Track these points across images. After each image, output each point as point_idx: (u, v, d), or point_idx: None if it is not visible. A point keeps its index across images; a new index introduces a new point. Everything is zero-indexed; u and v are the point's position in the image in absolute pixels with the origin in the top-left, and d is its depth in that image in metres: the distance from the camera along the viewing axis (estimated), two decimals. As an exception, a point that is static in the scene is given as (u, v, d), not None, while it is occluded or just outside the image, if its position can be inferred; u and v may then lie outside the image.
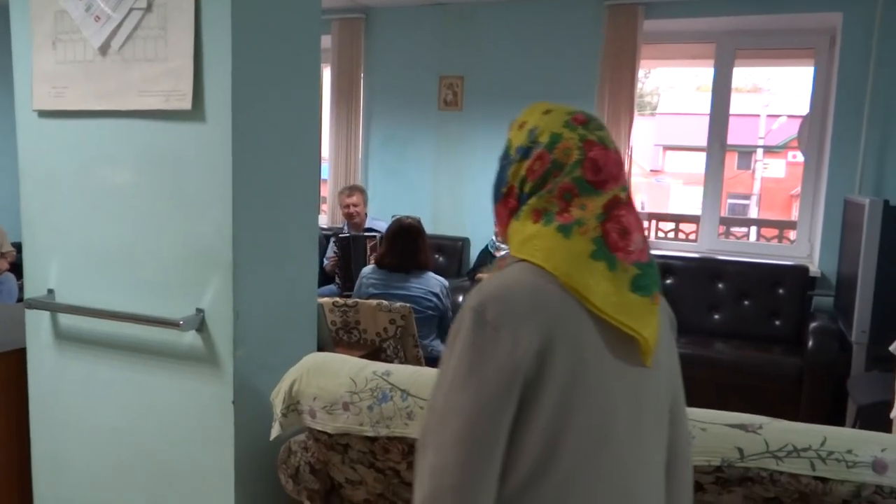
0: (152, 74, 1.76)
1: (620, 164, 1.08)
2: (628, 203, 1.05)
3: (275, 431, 1.68)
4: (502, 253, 4.70)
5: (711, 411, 1.35)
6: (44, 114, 1.92)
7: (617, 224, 1.02)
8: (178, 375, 1.85)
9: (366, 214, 4.90)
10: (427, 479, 0.96)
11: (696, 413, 1.35)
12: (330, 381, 1.60)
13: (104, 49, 1.81)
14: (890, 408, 2.80)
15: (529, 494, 0.98)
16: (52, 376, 2.02)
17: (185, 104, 1.72)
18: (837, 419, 3.59)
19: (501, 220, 1.13)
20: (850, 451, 1.24)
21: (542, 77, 4.93)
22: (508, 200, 1.09)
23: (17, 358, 2.07)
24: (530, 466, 0.97)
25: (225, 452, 1.82)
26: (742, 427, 1.31)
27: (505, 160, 1.11)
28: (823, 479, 1.23)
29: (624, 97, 4.62)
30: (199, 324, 1.79)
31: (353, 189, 4.89)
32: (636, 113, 4.71)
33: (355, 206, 4.78)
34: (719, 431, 1.31)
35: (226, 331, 1.78)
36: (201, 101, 1.72)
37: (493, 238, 4.93)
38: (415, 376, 1.57)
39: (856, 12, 4.19)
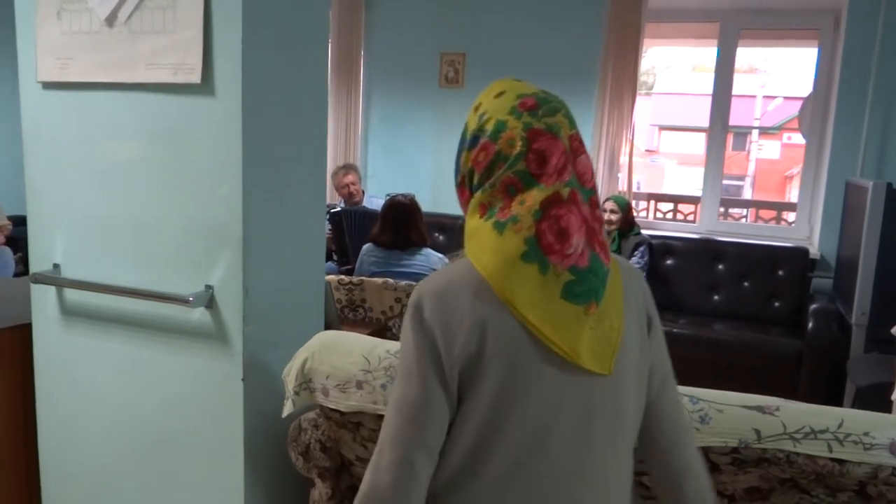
0: (160, 46, 1.73)
1: (578, 151, 1.00)
2: (572, 200, 0.97)
3: (287, 409, 1.68)
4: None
5: (727, 393, 1.35)
6: (48, 85, 1.89)
7: (554, 224, 0.95)
8: (187, 352, 1.84)
9: (362, 192, 4.87)
10: (368, 474, 0.99)
11: (712, 394, 1.35)
12: (343, 359, 1.60)
13: (111, 20, 1.77)
14: (890, 390, 2.83)
15: (458, 492, 0.99)
16: (58, 351, 2.00)
17: (195, 78, 1.69)
18: (836, 400, 3.62)
19: (462, 207, 1.08)
20: (867, 434, 1.24)
21: (544, 54, 4.88)
22: (463, 189, 1.06)
23: (23, 333, 2.05)
24: (460, 464, 0.98)
25: (234, 429, 1.81)
26: (759, 409, 1.31)
27: (461, 145, 1.06)
28: (840, 461, 1.24)
29: (627, 76, 4.59)
30: (209, 300, 1.78)
31: (349, 168, 4.86)
32: (640, 93, 4.69)
33: (353, 184, 4.76)
34: (736, 413, 1.31)
35: (235, 307, 1.76)
36: (210, 75, 1.69)
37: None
38: (428, 355, 1.56)
39: (862, -7, 4.16)
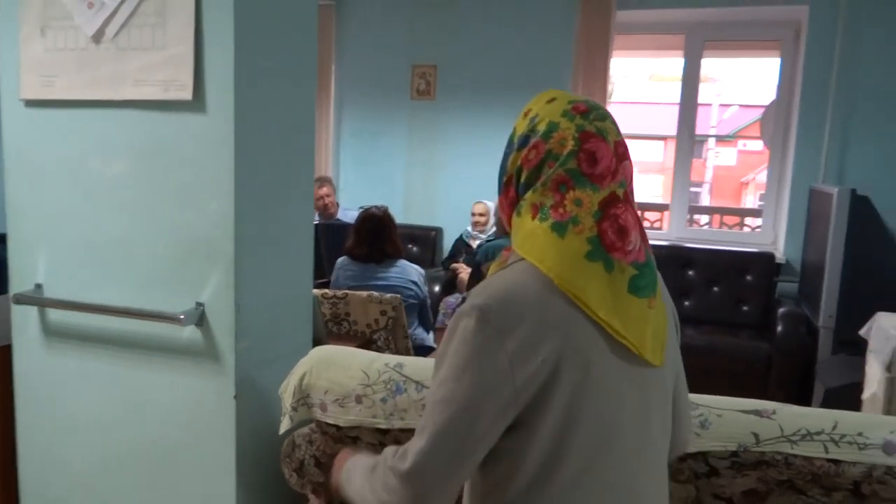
0: (150, 63, 1.71)
1: (623, 156, 1.04)
2: (626, 200, 1.02)
3: (284, 425, 1.67)
4: (479, 243, 4.72)
5: (725, 398, 1.39)
6: (31, 103, 1.86)
7: (614, 223, 0.99)
8: (176, 371, 1.82)
9: (337, 204, 4.87)
10: (403, 462, 0.98)
11: (710, 400, 1.39)
12: (341, 374, 1.60)
13: (98, 37, 1.75)
14: (858, 390, 2.92)
15: (534, 498, 0.97)
16: (40, 374, 1.96)
17: (186, 94, 1.68)
18: (805, 402, 3.71)
19: (504, 210, 1.11)
20: (860, 434, 1.28)
21: (515, 67, 4.95)
22: (509, 190, 1.07)
23: (2, 354, 2.00)
24: (536, 470, 0.97)
25: (226, 448, 1.79)
26: (756, 413, 1.35)
27: (508, 149, 1.09)
28: (836, 461, 1.28)
29: (597, 87, 4.67)
30: (199, 318, 1.76)
31: (323, 180, 4.85)
32: (609, 102, 4.77)
33: (328, 196, 4.75)
34: (735, 418, 1.34)
35: (227, 324, 1.75)
36: (202, 92, 1.68)
37: (468, 228, 4.95)
38: (428, 368, 1.57)
39: (821, 5, 4.31)
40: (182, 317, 1.72)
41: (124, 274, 1.82)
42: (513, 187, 1.06)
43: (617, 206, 1.00)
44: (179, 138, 1.72)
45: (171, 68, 1.69)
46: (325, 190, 4.75)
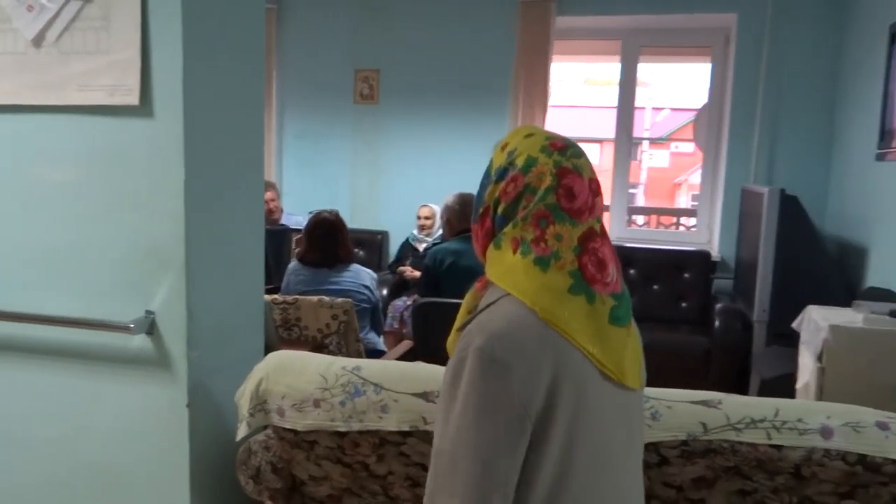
0: (94, 68, 1.68)
1: (597, 192, 1.08)
2: (602, 234, 1.07)
3: (242, 431, 1.66)
4: (425, 246, 4.74)
5: (675, 390, 1.45)
6: (-34, 108, 1.79)
7: (593, 256, 1.03)
8: (126, 381, 1.78)
9: (281, 209, 4.82)
10: None
11: (660, 392, 1.45)
12: (298, 378, 1.60)
13: (38, 41, 1.71)
14: (792, 380, 3.05)
15: None
16: (-20, 388, 1.89)
17: (133, 99, 1.66)
18: (742, 393, 3.85)
19: (478, 240, 1.14)
20: (800, 420, 1.36)
21: (458, 71, 5.00)
22: (485, 221, 1.10)
23: (-62, 370, 1.92)
24: (544, 499, 0.98)
25: (179, 458, 1.77)
26: (704, 403, 1.41)
27: (485, 180, 1.12)
28: (778, 447, 1.35)
29: (538, 92, 4.75)
30: (150, 326, 1.73)
31: (267, 185, 4.79)
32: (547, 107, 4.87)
33: (272, 201, 4.70)
34: (684, 409, 1.40)
35: (179, 332, 1.73)
36: (149, 96, 1.66)
37: (414, 232, 4.97)
38: (385, 370, 1.59)
39: (749, 13, 4.50)
40: (132, 325, 1.69)
41: (71, 283, 1.77)
42: (489, 218, 1.10)
43: (595, 240, 1.05)
44: (127, 144, 1.69)
45: (117, 73, 1.66)
46: (269, 195, 4.70)
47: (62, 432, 1.84)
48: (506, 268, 1.04)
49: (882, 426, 1.34)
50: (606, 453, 1.03)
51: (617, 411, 1.06)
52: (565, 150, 1.07)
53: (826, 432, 1.34)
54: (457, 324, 1.14)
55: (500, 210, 1.07)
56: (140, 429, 1.79)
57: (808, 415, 1.36)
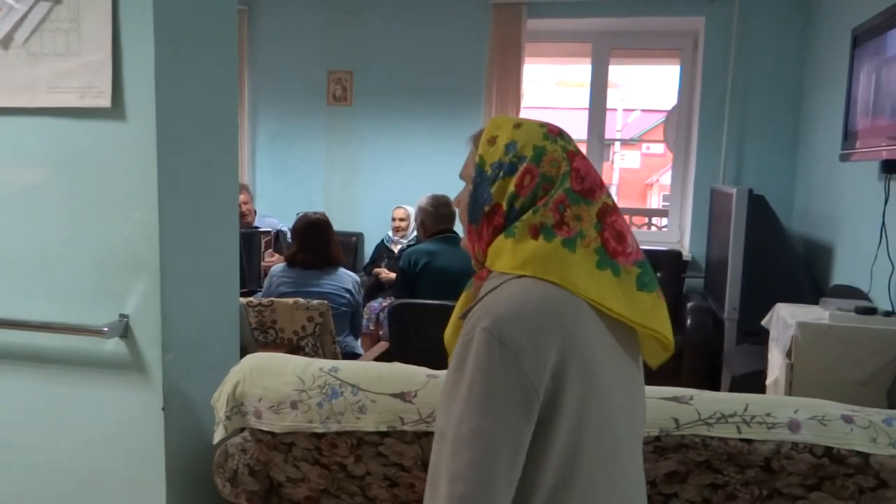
0: (64, 70, 1.67)
1: (597, 171, 1.10)
2: (615, 207, 1.08)
3: (219, 434, 1.65)
4: (400, 247, 4.74)
5: (648, 387, 1.46)
6: (-67, 110, 1.76)
7: (612, 230, 1.05)
8: (100, 385, 1.77)
9: (254, 212, 4.79)
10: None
11: (634, 389, 1.47)
12: (275, 380, 1.59)
13: (6, 42, 1.69)
14: (762, 376, 3.11)
15: None
16: (-52, 395, 1.86)
17: (104, 101, 1.65)
18: (713, 389, 3.92)
19: (482, 238, 1.10)
20: (769, 414, 1.39)
21: (431, 73, 5.01)
22: (493, 218, 1.07)
23: None
24: (553, 484, 0.96)
25: (155, 461, 1.76)
26: (676, 399, 1.44)
27: (480, 178, 1.09)
28: (748, 441, 1.38)
29: (511, 93, 4.79)
30: (124, 330, 1.72)
31: (241, 187, 4.76)
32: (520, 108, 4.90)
33: (245, 203, 4.67)
34: (656, 404, 1.43)
35: (153, 336, 1.72)
36: (121, 98, 1.65)
37: (389, 233, 4.97)
38: (362, 371, 1.59)
39: (716, 17, 4.58)
40: (105, 329, 1.68)
41: (43, 287, 1.75)
42: (499, 216, 1.07)
43: (611, 214, 1.06)
44: (98, 146, 1.68)
45: (88, 75, 1.65)
46: (242, 197, 4.67)
47: (36, 437, 1.82)
48: (526, 255, 1.02)
49: (847, 419, 1.38)
50: (615, 435, 1.02)
51: (624, 395, 1.06)
52: (563, 135, 1.10)
53: (794, 426, 1.38)
54: (456, 312, 1.13)
55: (517, 204, 1.05)
56: (115, 433, 1.77)
57: (776, 409, 1.40)
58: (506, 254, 1.05)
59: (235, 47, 1.97)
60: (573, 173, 1.05)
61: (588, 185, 1.06)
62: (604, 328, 1.02)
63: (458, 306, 1.13)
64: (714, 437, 1.39)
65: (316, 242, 3.29)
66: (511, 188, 1.06)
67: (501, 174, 1.07)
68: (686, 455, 1.42)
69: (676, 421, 1.41)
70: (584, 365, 0.98)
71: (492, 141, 1.10)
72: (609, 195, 1.08)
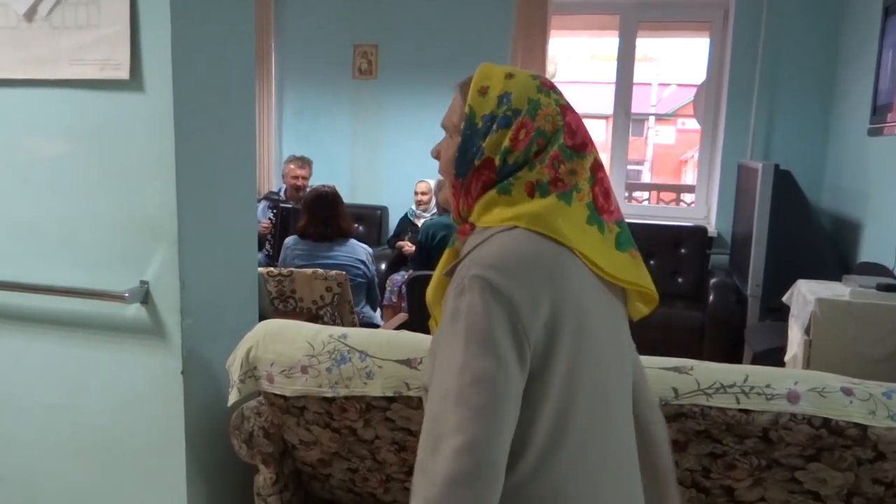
0: (85, 42, 1.71)
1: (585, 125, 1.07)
2: (602, 164, 1.06)
3: (233, 397, 1.71)
4: (423, 221, 4.77)
5: (648, 357, 1.48)
6: (-39, 82, 1.83)
7: (601, 186, 1.03)
8: (122, 349, 1.83)
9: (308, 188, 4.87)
10: (452, 462, 0.87)
11: (635, 359, 1.49)
12: (287, 346, 1.65)
13: (30, 15, 1.74)
14: (782, 353, 3.10)
15: (546, 468, 0.94)
16: (-19, 356, 1.95)
17: (123, 73, 1.69)
18: (735, 366, 3.90)
19: (470, 193, 1.05)
20: (768, 386, 1.40)
21: (456, 46, 4.99)
22: (483, 173, 1.03)
23: (-59, 339, 1.98)
24: (544, 440, 0.94)
25: (175, 423, 1.83)
26: (676, 369, 1.46)
27: (470, 130, 1.03)
28: (747, 411, 1.39)
29: (536, 66, 4.75)
30: (144, 295, 1.78)
31: (305, 162, 4.85)
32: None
33: (304, 178, 4.76)
34: (656, 374, 1.45)
35: (172, 302, 1.78)
36: (139, 70, 1.69)
37: (413, 207, 5.00)
38: (371, 338, 1.64)
39: (747, -13, 4.48)
40: (127, 295, 1.74)
41: (66, 254, 1.82)
42: (490, 170, 1.02)
43: (600, 170, 1.05)
44: (118, 118, 1.73)
45: (107, 47, 1.69)
46: (304, 171, 4.77)
47: (61, 398, 1.90)
48: (521, 210, 0.99)
49: (847, 391, 1.38)
50: (605, 391, 1.01)
51: (615, 351, 1.05)
52: (555, 87, 1.07)
53: (793, 397, 1.39)
54: (440, 270, 1.09)
55: (510, 159, 1.01)
56: (136, 395, 1.84)
57: (776, 380, 1.40)
58: (497, 209, 1.01)
59: (252, 19, 2.00)
60: (566, 128, 1.03)
61: (580, 140, 1.03)
62: (595, 282, 1.01)
63: (442, 263, 1.10)
64: (713, 407, 1.41)
65: (324, 215, 3.34)
66: (506, 142, 1.01)
67: (495, 127, 1.02)
68: (685, 424, 1.44)
69: (676, 391, 1.43)
70: (576, 319, 0.96)
71: (483, 91, 1.04)
72: (597, 151, 1.06)
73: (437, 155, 1.13)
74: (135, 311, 1.80)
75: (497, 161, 1.02)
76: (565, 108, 1.05)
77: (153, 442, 1.85)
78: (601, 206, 1.03)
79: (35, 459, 1.95)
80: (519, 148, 1.01)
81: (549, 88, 1.05)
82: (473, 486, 0.87)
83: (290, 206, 4.50)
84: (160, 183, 1.72)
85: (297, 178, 4.76)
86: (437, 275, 1.09)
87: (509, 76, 1.05)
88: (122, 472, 1.89)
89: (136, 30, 1.67)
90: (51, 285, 1.82)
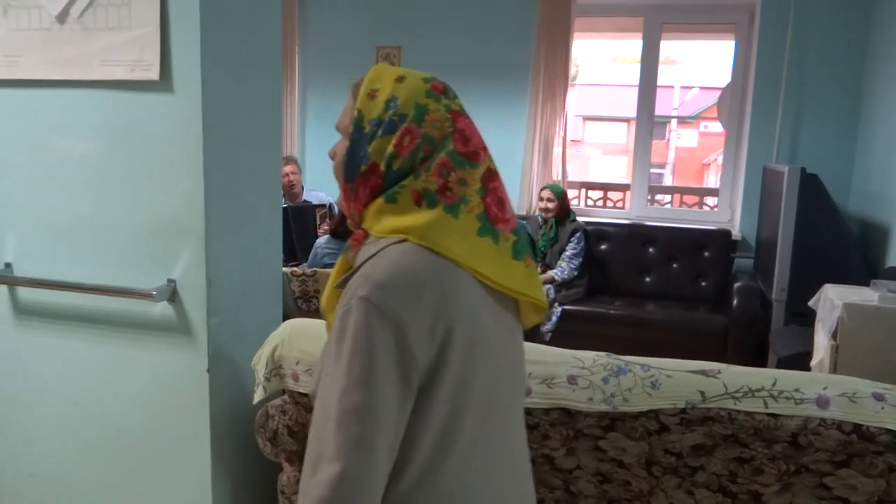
0: (115, 43, 1.74)
1: (479, 133, 1.05)
2: (497, 173, 1.04)
3: (258, 395, 1.72)
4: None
5: (675, 360, 1.48)
6: (-5, 83, 1.87)
7: (494, 196, 1.01)
8: (150, 346, 1.86)
9: (302, 186, 4.88)
10: (325, 490, 0.86)
11: (661, 362, 1.48)
12: (313, 344, 1.66)
13: (62, 17, 1.77)
14: (808, 358, 3.06)
15: (433, 476, 0.94)
16: (11, 351, 1.98)
17: (153, 74, 1.71)
18: (759, 371, 3.86)
19: (358, 198, 1.03)
20: (797, 390, 1.39)
21: (479, 48, 4.99)
22: (370, 178, 1.01)
23: (-27, 335, 2.02)
24: (431, 451, 0.94)
25: (200, 420, 1.84)
26: (703, 373, 1.44)
27: (358, 134, 1.02)
28: (775, 416, 1.38)
29: (559, 69, 4.74)
30: (171, 294, 1.80)
31: (288, 159, 4.84)
32: (572, 85, 4.85)
33: (293, 174, 4.75)
34: (683, 378, 1.44)
35: (199, 300, 1.80)
36: (168, 72, 1.71)
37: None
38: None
39: (774, -11, 4.43)
40: (154, 293, 1.76)
41: (95, 252, 1.85)
42: (377, 176, 1.01)
43: (494, 179, 1.02)
44: (147, 118, 1.75)
45: (137, 48, 1.72)
46: (289, 168, 4.74)
47: (90, 394, 1.93)
48: (408, 222, 0.97)
49: (878, 397, 1.36)
50: (495, 397, 1.01)
51: (507, 353, 1.05)
52: (447, 92, 1.03)
53: (822, 402, 1.37)
54: (332, 281, 1.07)
55: (395, 165, 0.99)
56: (163, 392, 1.86)
57: (804, 385, 1.39)
58: (386, 218, 1.00)
59: (279, 22, 2.02)
60: (456, 134, 1.00)
61: (472, 148, 1.01)
62: (484, 295, 0.99)
63: (335, 273, 1.08)
64: (740, 411, 1.40)
65: None
66: (390, 148, 0.99)
67: (380, 133, 1.00)
68: (712, 428, 1.43)
69: (703, 394, 1.42)
70: (468, 332, 0.95)
71: (372, 94, 1.02)
72: (491, 159, 1.04)
73: (332, 156, 1.11)
74: (162, 309, 1.82)
75: (382, 167, 1.00)
76: (456, 114, 1.02)
77: (179, 438, 1.87)
78: (495, 215, 1.00)
79: (64, 455, 1.98)
80: (403, 154, 0.99)
81: (440, 93, 1.02)
82: None
83: (286, 206, 4.52)
84: (188, 183, 1.74)
85: (285, 175, 4.75)
86: (329, 284, 1.07)
87: (400, 79, 1.03)
88: (148, 468, 1.91)
89: (165, 31, 1.69)
90: (80, 283, 1.85)
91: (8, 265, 1.94)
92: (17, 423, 2.01)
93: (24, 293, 1.94)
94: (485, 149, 1.03)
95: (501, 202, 1.02)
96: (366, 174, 1.01)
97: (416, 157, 0.99)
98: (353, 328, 0.90)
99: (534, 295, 1.04)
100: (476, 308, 0.98)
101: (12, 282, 1.93)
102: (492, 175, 1.02)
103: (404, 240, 0.96)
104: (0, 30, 1.82)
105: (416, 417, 0.93)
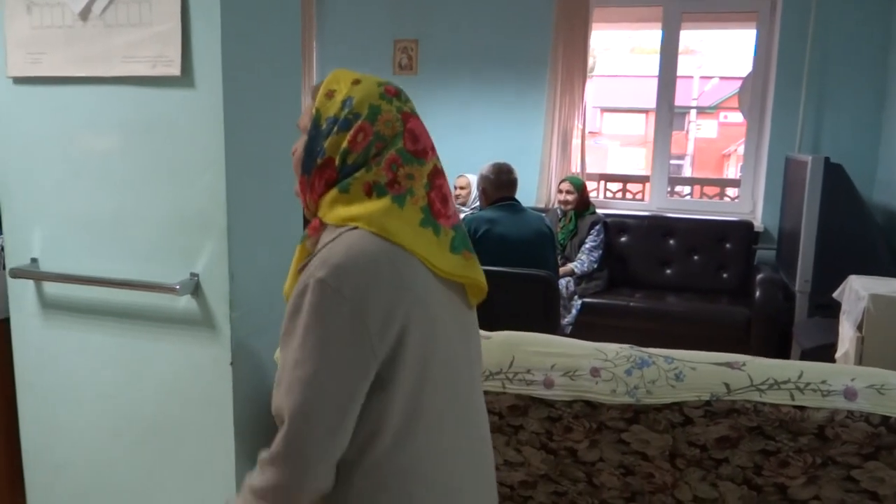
0: (137, 40, 1.75)
1: (429, 134, 1.15)
2: (443, 172, 1.14)
3: (281, 389, 1.73)
4: (463, 215, 4.77)
5: (699, 352, 1.47)
6: (19, 80, 1.88)
7: (439, 193, 1.10)
8: (173, 340, 1.87)
9: None
10: (278, 446, 1.00)
11: (685, 354, 1.47)
12: (334, 338, 1.66)
13: (85, 14, 1.78)
14: (832, 350, 3.03)
15: (402, 445, 1.03)
16: (39, 345, 2.01)
17: (174, 70, 1.72)
18: (782, 364, 3.82)
19: (314, 189, 1.13)
20: (824, 382, 1.37)
21: (497, 40, 4.97)
22: (325, 171, 1.10)
23: (1, 328, 2.05)
24: (401, 420, 1.02)
25: (224, 413, 1.86)
26: (728, 365, 1.43)
27: (315, 131, 1.12)
28: (801, 408, 1.37)
29: (577, 61, 4.71)
30: (195, 287, 1.82)
31: None
32: (589, 76, 4.82)
33: None
34: (707, 370, 1.43)
35: (222, 294, 1.81)
36: (190, 67, 1.72)
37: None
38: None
39: (796, -24, 4.37)
40: (177, 287, 1.78)
41: (119, 246, 1.86)
42: (332, 169, 1.09)
43: (439, 177, 1.12)
44: (169, 113, 1.76)
45: (159, 44, 1.73)
46: None
47: (116, 387, 1.94)
48: (357, 210, 1.06)
49: (907, 388, 1.34)
50: (455, 378, 1.10)
51: (461, 335, 1.13)
52: (400, 95, 1.13)
53: (849, 394, 1.35)
54: (294, 266, 1.17)
55: (349, 160, 1.08)
56: (187, 385, 1.88)
57: (831, 376, 1.37)
58: (339, 207, 1.08)
59: (299, 16, 2.02)
60: (407, 134, 1.09)
61: (421, 147, 1.10)
62: (434, 279, 1.08)
63: (295, 260, 1.17)
64: (766, 404, 1.38)
65: None
66: (344, 144, 1.08)
67: (336, 129, 1.09)
68: (737, 420, 1.42)
69: (727, 386, 1.41)
70: (424, 310, 1.04)
71: (329, 95, 1.12)
72: (438, 160, 1.14)
73: (293, 153, 1.20)
74: (185, 302, 1.84)
75: (337, 161, 1.09)
76: (407, 116, 1.11)
77: (203, 431, 1.89)
78: (438, 210, 1.09)
79: (92, 446, 2.01)
80: (357, 149, 1.08)
81: (392, 95, 1.12)
82: (287, 486, 1.00)
83: None
84: (210, 177, 1.75)
85: None
86: (291, 271, 1.18)
87: (356, 82, 1.12)
88: (174, 460, 1.93)
89: (186, 27, 1.70)
90: (105, 277, 1.86)
91: (34, 260, 1.96)
92: (45, 417, 2.04)
93: (50, 287, 1.97)
94: (433, 149, 1.13)
95: (445, 199, 1.11)
96: (322, 167, 1.10)
97: (369, 152, 1.08)
98: (308, 307, 0.99)
99: (473, 275, 1.13)
100: (430, 289, 1.07)
101: (39, 276, 1.95)
102: (437, 173, 1.12)
103: (355, 227, 1.05)
104: (23, 28, 1.84)
105: (383, 391, 1.02)
